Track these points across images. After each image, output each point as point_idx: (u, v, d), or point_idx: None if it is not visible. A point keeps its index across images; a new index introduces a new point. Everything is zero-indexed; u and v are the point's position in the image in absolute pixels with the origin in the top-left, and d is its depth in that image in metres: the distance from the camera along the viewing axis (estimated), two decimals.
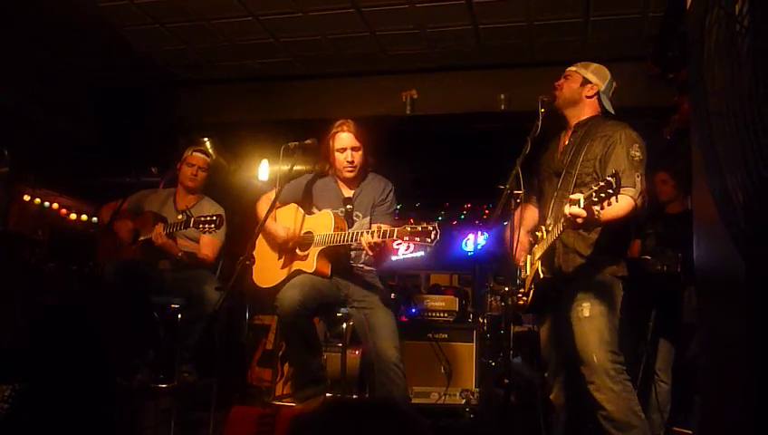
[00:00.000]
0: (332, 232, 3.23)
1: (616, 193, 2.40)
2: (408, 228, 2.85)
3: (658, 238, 4.17)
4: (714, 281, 2.56)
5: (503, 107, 5.70)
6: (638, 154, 2.79)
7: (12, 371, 3.32)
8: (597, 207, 2.45)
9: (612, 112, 3.01)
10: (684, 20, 3.57)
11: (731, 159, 1.54)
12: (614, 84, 3.09)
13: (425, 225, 2.81)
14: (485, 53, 5.58)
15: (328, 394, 3.34)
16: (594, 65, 3.09)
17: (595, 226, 2.67)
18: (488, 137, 5.89)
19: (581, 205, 2.44)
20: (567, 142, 3.06)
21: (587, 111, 3.04)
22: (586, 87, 3.03)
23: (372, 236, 2.96)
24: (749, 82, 1.52)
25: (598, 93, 3.02)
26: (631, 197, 2.71)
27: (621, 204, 2.66)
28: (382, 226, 3.01)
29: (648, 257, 4.08)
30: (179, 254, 3.91)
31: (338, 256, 3.33)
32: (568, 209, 2.51)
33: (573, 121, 3.07)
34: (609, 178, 2.40)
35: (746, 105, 1.49)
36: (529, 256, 3.00)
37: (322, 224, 3.32)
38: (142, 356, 3.93)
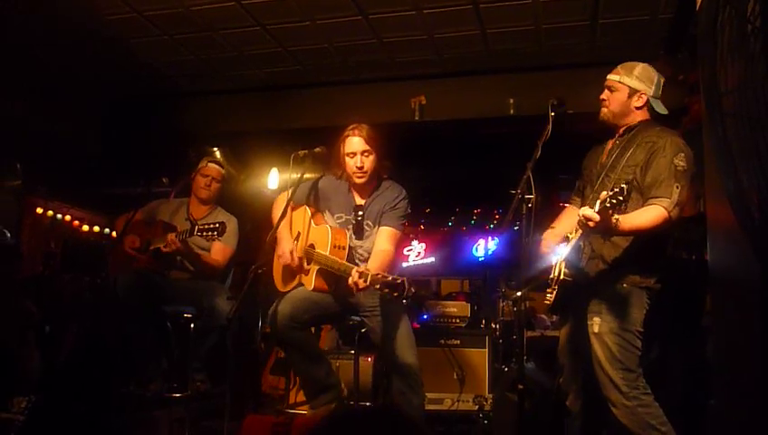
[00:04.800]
0: (329, 253, 3.17)
1: (625, 202, 2.38)
2: (380, 276, 2.78)
3: (673, 242, 4.13)
4: (728, 283, 2.54)
5: (512, 111, 5.69)
6: (682, 164, 2.67)
7: (27, 383, 3.34)
8: (615, 214, 2.42)
9: (665, 112, 2.89)
10: (694, 21, 3.55)
11: (746, 159, 1.53)
12: (662, 80, 2.94)
13: (395, 278, 2.74)
14: (494, 58, 5.58)
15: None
16: (638, 67, 2.93)
17: (612, 232, 2.61)
18: (498, 142, 5.87)
19: (596, 208, 2.42)
20: (611, 146, 2.98)
21: (635, 118, 2.92)
22: (634, 97, 2.89)
23: (355, 278, 2.87)
24: (762, 82, 1.50)
25: (648, 100, 2.89)
26: (664, 208, 2.60)
27: (650, 214, 2.61)
28: (381, 241, 3.07)
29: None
30: (196, 251, 3.93)
31: (335, 277, 3.22)
32: (582, 211, 2.49)
33: (620, 130, 2.96)
34: (624, 186, 2.37)
35: (761, 104, 1.47)
36: (556, 257, 2.90)
37: (321, 239, 3.26)
38: (155, 365, 3.94)
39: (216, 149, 6.25)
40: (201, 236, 3.68)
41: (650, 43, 5.06)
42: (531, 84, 5.58)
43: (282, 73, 6.03)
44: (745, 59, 1.56)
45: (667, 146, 2.71)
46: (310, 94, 6.24)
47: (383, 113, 5.81)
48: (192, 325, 3.92)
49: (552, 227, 3.09)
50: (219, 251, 4.10)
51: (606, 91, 2.97)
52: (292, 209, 3.45)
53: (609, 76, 2.98)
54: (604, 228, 2.52)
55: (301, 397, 4.61)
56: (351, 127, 3.34)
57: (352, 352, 4.05)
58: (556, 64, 5.54)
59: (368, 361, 4.38)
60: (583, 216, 2.47)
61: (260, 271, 3.16)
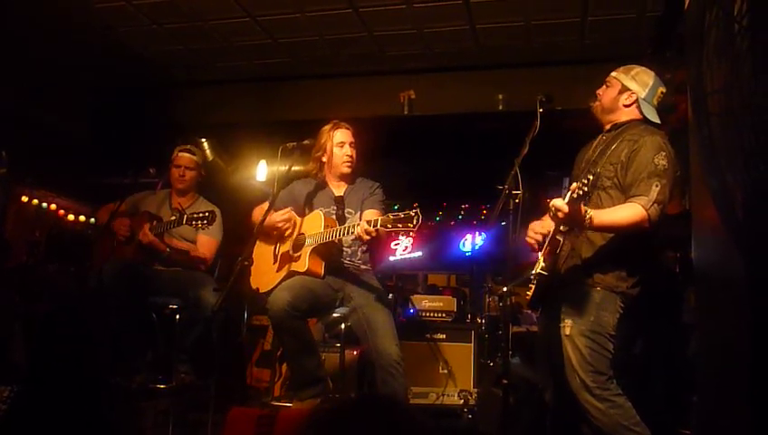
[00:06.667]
0: (323, 230, 3.25)
1: (589, 195, 2.39)
2: (392, 216, 2.86)
3: (658, 239, 4.16)
4: (713, 280, 2.57)
5: (501, 107, 5.71)
6: (662, 162, 2.65)
7: (12, 373, 3.32)
8: (589, 210, 2.43)
9: (656, 120, 2.88)
10: (682, 20, 3.56)
11: (731, 157, 1.54)
12: (660, 90, 2.94)
13: (407, 211, 2.81)
14: (483, 54, 5.59)
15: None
16: (637, 69, 2.95)
17: (583, 226, 2.57)
18: (486, 137, 5.89)
19: (566, 200, 2.42)
20: (597, 142, 2.99)
21: (623, 116, 2.92)
22: (624, 95, 2.90)
23: (364, 226, 2.96)
24: (749, 82, 1.52)
25: (638, 100, 2.89)
26: (642, 205, 2.58)
27: (626, 211, 2.59)
28: (369, 217, 3.10)
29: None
30: (166, 250, 3.90)
31: (330, 254, 3.34)
32: (552, 202, 2.49)
33: (607, 126, 2.97)
34: (590, 177, 2.39)
35: (746, 104, 1.49)
36: (540, 252, 2.90)
37: (313, 224, 3.35)
38: (140, 357, 3.92)
39: (203, 140, 6.22)
40: (191, 225, 3.66)
41: (638, 40, 5.09)
42: (520, 80, 5.59)
43: (272, 65, 6.01)
44: (732, 59, 1.57)
45: (648, 144, 2.71)
46: (300, 86, 6.23)
47: (372, 107, 5.82)
48: (177, 317, 3.91)
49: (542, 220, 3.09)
50: (205, 244, 4.08)
51: (603, 85, 3.00)
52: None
53: (611, 74, 3.01)
54: (574, 221, 2.51)
55: (286, 390, 4.62)
56: (334, 122, 3.54)
57: (338, 345, 4.06)
58: (545, 61, 5.56)
59: (353, 353, 4.39)
60: (553, 206, 2.47)
61: (246, 263, 3.15)
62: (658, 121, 2.88)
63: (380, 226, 2.89)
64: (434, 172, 6.76)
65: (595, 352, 2.68)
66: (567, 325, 2.73)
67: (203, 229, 3.84)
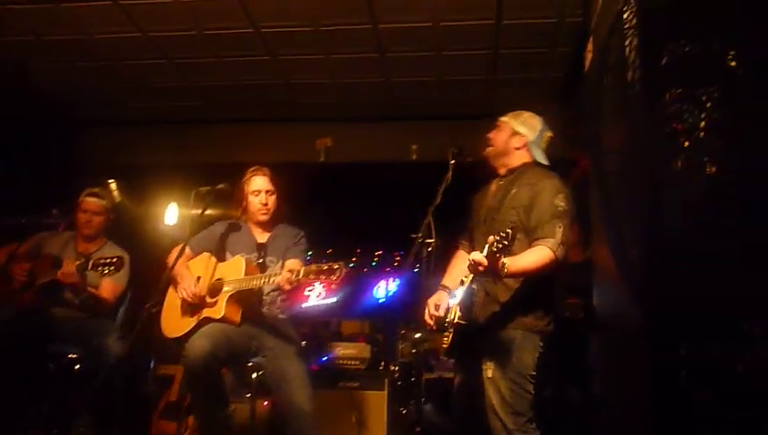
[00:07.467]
0: (242, 277, 3.19)
1: (511, 245, 2.46)
2: (315, 267, 2.87)
3: (562, 287, 4.33)
4: (611, 329, 2.70)
5: (414, 157, 5.84)
6: (562, 204, 2.77)
7: None
8: (503, 258, 2.51)
9: (545, 163, 3.01)
10: (581, 83, 3.79)
11: (626, 216, 1.65)
12: (547, 134, 3.07)
13: (330, 263, 2.83)
14: (398, 106, 5.75)
15: None
16: (526, 115, 3.08)
17: (501, 276, 2.64)
18: (400, 186, 5.99)
19: (484, 253, 2.49)
20: (495, 188, 3.07)
21: (515, 160, 3.03)
22: (514, 138, 3.02)
23: (286, 276, 2.95)
24: (641, 144, 1.64)
25: (527, 144, 3.02)
26: (549, 247, 2.68)
27: (536, 255, 2.68)
28: (292, 267, 3.06)
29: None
30: (88, 291, 3.74)
31: (249, 303, 3.27)
32: (471, 255, 2.56)
33: (502, 170, 3.06)
34: (509, 230, 2.46)
35: (641, 164, 1.60)
36: (452, 300, 2.94)
37: (233, 269, 3.27)
38: (35, 410, 3.67)
39: (111, 181, 6.01)
40: (96, 270, 3.50)
41: (544, 98, 5.37)
42: (432, 132, 5.76)
43: (186, 108, 5.93)
44: (626, 122, 1.70)
45: (548, 187, 2.83)
46: (214, 130, 6.16)
47: (289, 153, 5.83)
48: (77, 367, 3.70)
49: (444, 286, 3.09)
50: (108, 289, 3.90)
51: (493, 130, 3.11)
52: (190, 259, 3.42)
53: (500, 118, 3.13)
54: (493, 272, 2.58)
55: None
56: (254, 168, 3.48)
57: (248, 395, 3.95)
58: (457, 114, 5.76)
59: (264, 404, 4.28)
60: (473, 260, 2.54)
61: (154, 310, 3.05)
62: (547, 163, 3.02)
63: (302, 276, 2.88)
64: (348, 219, 6.79)
65: (515, 394, 2.73)
66: (489, 368, 2.76)
67: (109, 275, 3.69)
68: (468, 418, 3.01)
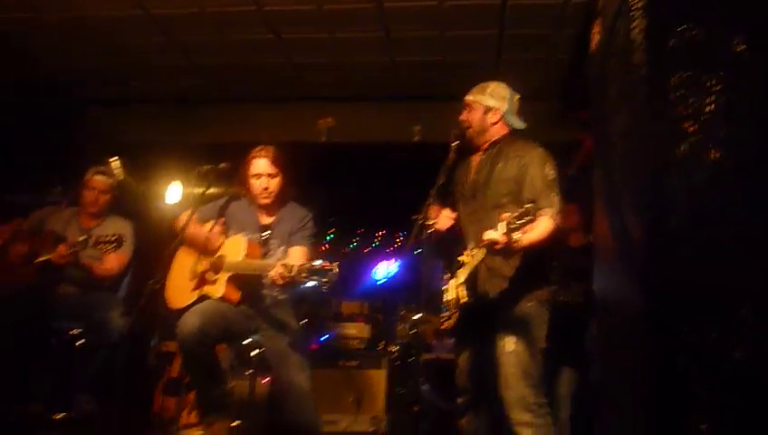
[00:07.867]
0: (243, 259, 3.19)
1: (530, 223, 2.47)
2: (308, 265, 2.87)
3: (563, 270, 4.33)
4: (613, 311, 2.70)
5: (417, 138, 5.82)
6: (551, 173, 2.82)
7: None
8: (517, 234, 2.49)
9: (522, 127, 3.03)
10: (587, 63, 3.76)
11: (630, 198, 1.65)
12: (516, 97, 3.08)
13: (325, 264, 2.84)
14: (401, 86, 5.71)
15: (237, 422, 3.26)
16: (491, 86, 3.08)
17: (514, 252, 2.67)
18: (402, 167, 5.98)
19: (502, 231, 2.49)
20: (478, 163, 3.07)
21: (495, 133, 3.05)
22: (489, 114, 3.03)
23: (279, 270, 2.94)
24: (645, 127, 1.63)
25: (503, 116, 3.04)
26: (551, 217, 2.72)
27: (542, 226, 2.69)
28: (290, 257, 3.05)
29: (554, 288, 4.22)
30: (84, 268, 3.77)
31: (248, 285, 3.27)
32: (486, 235, 2.56)
33: (484, 145, 3.07)
34: (528, 206, 2.46)
35: (645, 147, 1.60)
36: (452, 280, 2.94)
37: (235, 249, 3.27)
38: (37, 385, 3.71)
39: (115, 158, 6.00)
40: (97, 248, 3.53)
41: (548, 80, 5.35)
42: (436, 113, 5.72)
43: (189, 87, 5.90)
44: (632, 104, 1.69)
45: (536, 158, 2.87)
46: (217, 109, 6.13)
47: (290, 133, 5.79)
48: (78, 342, 3.73)
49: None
50: (113, 260, 3.93)
51: (464, 111, 3.10)
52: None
53: (465, 97, 3.12)
54: (509, 250, 2.58)
55: (192, 419, 4.47)
56: (258, 148, 3.40)
57: (248, 372, 3.98)
58: (461, 95, 5.72)
59: (263, 382, 4.31)
60: (488, 239, 2.54)
61: (157, 286, 3.06)
62: (524, 127, 3.04)
63: (295, 273, 2.87)
64: (350, 200, 6.79)
65: (536, 366, 2.78)
66: (509, 341, 2.77)
67: (112, 251, 3.71)
68: (475, 393, 3.01)
